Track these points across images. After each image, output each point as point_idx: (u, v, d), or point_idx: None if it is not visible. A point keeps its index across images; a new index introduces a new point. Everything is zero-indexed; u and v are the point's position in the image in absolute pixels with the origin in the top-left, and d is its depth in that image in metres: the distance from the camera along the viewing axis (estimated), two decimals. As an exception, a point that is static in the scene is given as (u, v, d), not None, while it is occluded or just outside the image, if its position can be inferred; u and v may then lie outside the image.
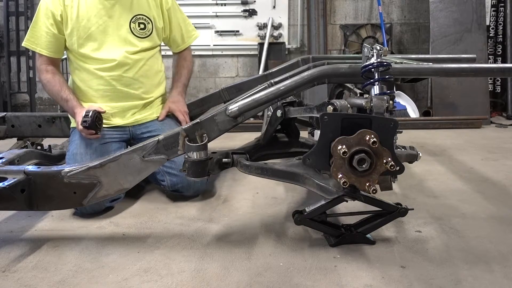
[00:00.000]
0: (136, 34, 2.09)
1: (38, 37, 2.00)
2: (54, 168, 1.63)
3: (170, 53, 2.41)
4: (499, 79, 4.64)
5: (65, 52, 2.12)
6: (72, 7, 1.99)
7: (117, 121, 2.08)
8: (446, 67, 1.73)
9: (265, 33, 4.73)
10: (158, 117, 2.20)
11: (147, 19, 2.11)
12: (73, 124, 2.13)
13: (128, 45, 2.07)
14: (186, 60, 2.36)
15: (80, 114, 1.92)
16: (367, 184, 1.38)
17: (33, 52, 4.68)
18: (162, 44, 2.30)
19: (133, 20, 2.07)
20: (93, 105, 1.99)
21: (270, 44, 4.73)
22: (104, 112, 1.99)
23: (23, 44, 2.03)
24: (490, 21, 4.59)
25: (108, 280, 1.37)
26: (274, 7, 4.77)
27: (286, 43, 4.83)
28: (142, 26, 2.10)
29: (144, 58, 2.12)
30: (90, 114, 1.88)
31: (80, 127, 1.89)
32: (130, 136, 2.13)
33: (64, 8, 1.98)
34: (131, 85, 2.09)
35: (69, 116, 2.15)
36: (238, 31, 4.76)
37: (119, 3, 2.04)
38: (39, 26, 1.99)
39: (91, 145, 1.97)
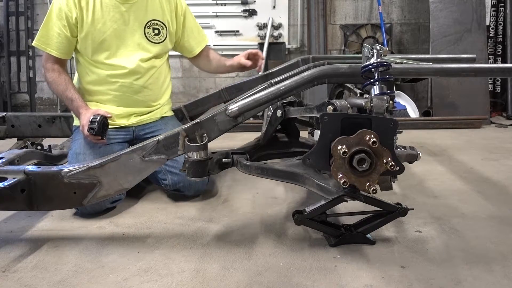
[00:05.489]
0: (150, 40, 2.08)
1: (49, 38, 1.97)
2: (54, 168, 1.63)
3: (174, 53, 2.38)
4: (499, 79, 4.65)
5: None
6: (88, 10, 1.96)
7: (122, 122, 2.08)
8: (446, 67, 1.73)
9: (265, 33, 4.73)
10: (161, 117, 2.20)
11: (161, 24, 2.11)
12: (76, 123, 2.13)
13: (142, 50, 2.06)
14: (211, 54, 2.39)
15: (86, 117, 1.89)
16: (367, 184, 1.38)
17: (33, 52, 4.77)
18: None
19: (147, 25, 2.07)
20: (100, 110, 1.96)
21: (270, 44, 4.72)
22: (110, 117, 1.98)
23: (33, 43, 2.00)
24: (490, 21, 4.59)
25: (108, 280, 1.37)
26: (274, 7, 4.77)
27: (286, 43, 4.83)
28: (156, 31, 2.10)
29: (156, 66, 2.12)
30: (97, 120, 1.85)
31: (86, 132, 1.87)
32: (133, 136, 2.13)
33: (79, 10, 1.95)
34: (140, 93, 2.10)
35: (73, 115, 2.13)
36: (238, 31, 4.76)
37: (134, 8, 2.03)
38: (50, 27, 1.97)
39: (95, 146, 1.97)
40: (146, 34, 2.07)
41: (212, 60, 2.38)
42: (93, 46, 1.99)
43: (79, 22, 1.96)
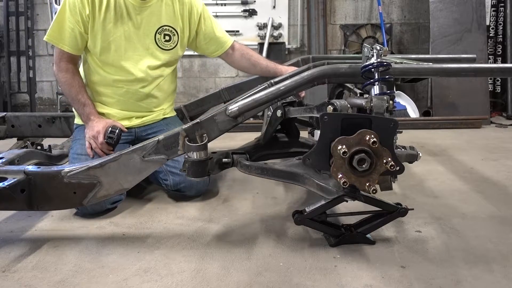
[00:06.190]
0: (160, 46, 2.05)
1: (62, 33, 1.93)
2: (54, 168, 1.63)
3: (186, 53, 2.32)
4: (499, 79, 4.64)
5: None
6: (101, 8, 1.93)
7: (124, 123, 2.06)
8: (446, 67, 1.73)
9: (265, 33, 4.74)
10: (163, 118, 2.19)
11: (173, 30, 2.07)
12: (77, 121, 2.12)
13: (151, 56, 2.04)
14: (248, 52, 2.28)
15: (101, 125, 1.91)
16: (367, 184, 1.38)
17: (33, 52, 4.77)
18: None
19: (159, 31, 2.03)
20: (116, 122, 1.98)
21: (270, 44, 4.73)
22: (125, 131, 2.00)
23: (45, 38, 1.96)
24: (490, 21, 4.59)
25: (108, 280, 1.37)
26: (274, 7, 4.77)
27: (286, 43, 4.83)
28: (167, 38, 2.06)
29: (163, 75, 2.10)
30: (117, 132, 1.89)
31: (102, 139, 1.88)
32: (135, 137, 2.12)
33: (92, 7, 1.91)
34: (145, 100, 2.09)
35: (75, 114, 2.12)
36: (238, 31, 4.76)
37: (148, 12, 2.00)
38: (63, 22, 1.92)
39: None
40: (157, 40, 2.04)
41: (240, 61, 2.28)
42: (102, 46, 1.96)
43: (90, 19, 1.92)
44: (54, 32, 1.94)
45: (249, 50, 2.31)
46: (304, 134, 2.28)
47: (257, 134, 2.23)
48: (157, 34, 2.04)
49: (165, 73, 2.12)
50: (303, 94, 2.11)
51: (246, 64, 2.28)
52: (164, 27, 2.05)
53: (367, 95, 1.64)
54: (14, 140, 2.60)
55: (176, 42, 2.10)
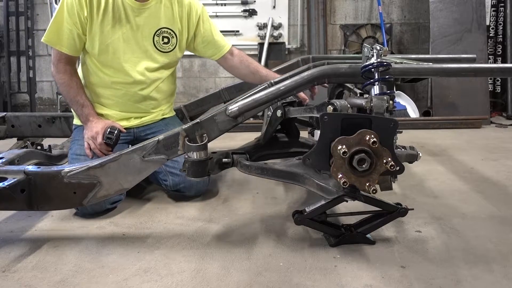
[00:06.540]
0: (159, 48, 2.04)
1: (60, 35, 1.91)
2: (54, 168, 1.63)
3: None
4: (499, 79, 4.65)
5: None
6: (99, 10, 1.91)
7: (123, 123, 2.06)
8: (446, 67, 1.73)
9: (265, 33, 4.74)
10: (162, 118, 2.18)
11: (171, 33, 2.05)
12: (76, 122, 2.12)
13: (149, 58, 2.03)
14: (248, 59, 2.22)
15: (99, 125, 1.91)
16: (367, 184, 1.38)
17: (33, 52, 4.77)
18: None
19: (157, 33, 2.02)
20: (115, 123, 1.98)
21: (270, 44, 4.73)
22: (124, 132, 2.00)
23: (43, 40, 1.94)
24: (490, 21, 4.59)
25: (108, 280, 1.37)
26: (274, 7, 4.77)
27: (286, 43, 4.83)
28: (165, 40, 2.04)
29: (161, 77, 2.09)
30: (115, 133, 1.89)
31: (101, 140, 1.88)
32: (134, 137, 2.12)
33: (90, 9, 1.90)
34: (143, 102, 2.08)
35: (74, 114, 2.11)
36: (238, 31, 4.76)
37: (147, 14, 1.98)
38: (61, 23, 1.91)
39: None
40: (155, 42, 2.02)
41: (239, 67, 2.22)
42: (100, 48, 1.95)
43: (88, 20, 1.91)
44: (52, 34, 1.93)
45: (248, 57, 2.25)
46: (304, 134, 2.28)
47: (257, 134, 2.23)
48: (155, 37, 2.03)
49: (164, 75, 2.11)
50: (307, 100, 2.08)
51: (245, 71, 2.21)
52: (163, 29, 2.04)
53: (367, 95, 1.64)
54: (14, 140, 2.60)
55: (174, 45, 2.08)
